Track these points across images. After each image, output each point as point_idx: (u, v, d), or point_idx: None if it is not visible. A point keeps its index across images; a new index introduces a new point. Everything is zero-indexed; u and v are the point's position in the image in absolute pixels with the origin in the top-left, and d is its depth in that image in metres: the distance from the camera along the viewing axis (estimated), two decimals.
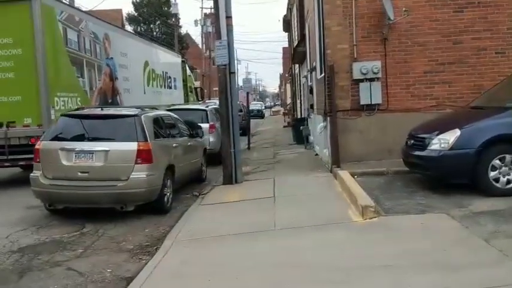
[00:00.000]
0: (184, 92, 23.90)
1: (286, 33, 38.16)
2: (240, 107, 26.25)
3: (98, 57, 13.47)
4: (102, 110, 9.49)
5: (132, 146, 7.88)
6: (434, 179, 8.25)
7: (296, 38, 23.13)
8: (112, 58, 14.41)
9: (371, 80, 10.53)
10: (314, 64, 14.01)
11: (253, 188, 9.67)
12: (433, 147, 7.75)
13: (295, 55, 20.83)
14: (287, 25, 33.71)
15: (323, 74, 11.52)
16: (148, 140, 8.10)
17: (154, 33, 57.66)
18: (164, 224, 7.71)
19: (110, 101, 14.02)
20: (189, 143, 10.40)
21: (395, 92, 10.66)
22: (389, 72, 10.61)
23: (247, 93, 18.21)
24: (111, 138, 8.03)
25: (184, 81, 24.30)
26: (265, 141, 21.81)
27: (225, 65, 10.38)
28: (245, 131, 26.88)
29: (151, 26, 59.51)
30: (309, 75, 16.84)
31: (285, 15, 33.24)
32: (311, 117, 16.59)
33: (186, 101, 23.32)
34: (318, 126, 11.98)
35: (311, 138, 16.91)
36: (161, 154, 8.49)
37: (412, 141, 8.49)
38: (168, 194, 8.64)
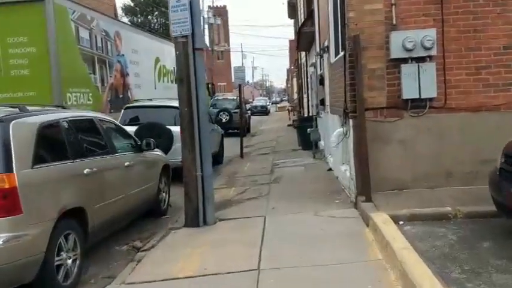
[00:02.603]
0: None
1: (292, 21, 34.14)
2: (236, 103, 22.78)
3: (109, 54, 13.89)
4: None
5: None
6: None
7: (302, 19, 19.12)
8: (123, 55, 14.78)
9: (420, 60, 6.61)
10: (326, 43, 10.06)
11: (226, 243, 5.74)
12: None
13: (300, 39, 16.86)
14: (292, 10, 29.69)
15: (342, 53, 7.60)
16: (14, 168, 4.23)
17: (152, 24, 55.00)
18: None
19: (121, 96, 14.39)
20: (128, 163, 6.51)
21: (458, 79, 6.71)
22: (448, 48, 6.67)
23: (240, 85, 14.29)
24: None
25: None
26: (264, 145, 17.88)
27: (185, 36, 6.50)
28: (243, 131, 23.38)
29: (149, 17, 56.95)
30: (318, 62, 12.86)
31: None
32: (321, 116, 12.64)
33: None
34: (332, 133, 8.01)
35: (321, 143, 12.95)
36: (50, 193, 4.63)
37: None
38: (69, 264, 4.77)
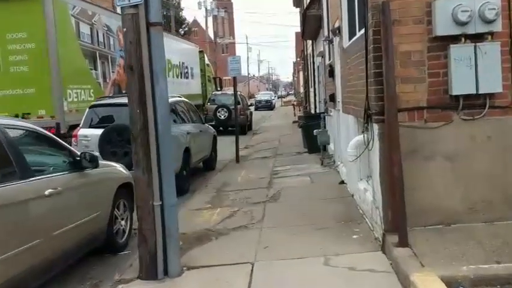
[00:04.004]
0: (202, 81, 24.20)
1: (298, 10, 31.94)
2: (238, 99, 20.81)
3: (111, 49, 13.88)
4: None
5: None
6: None
7: (308, 1, 16.95)
8: None
9: (478, 38, 4.54)
10: (337, 24, 7.99)
11: None
12: None
13: (306, 24, 14.75)
14: None
15: (360, 33, 5.55)
16: None
17: None
18: None
19: (124, 91, 13.56)
20: (51, 190, 4.42)
21: None
22: None
23: (234, 78, 12.18)
24: None
25: (202, 71, 24.47)
26: (265, 146, 15.83)
27: (135, 6, 4.46)
28: (244, 129, 21.37)
29: None
30: (326, 49, 10.79)
31: None
32: (331, 115, 10.57)
33: (204, 91, 23.86)
34: (347, 141, 5.84)
35: (331, 147, 10.89)
36: None
37: None
38: None
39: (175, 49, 20.10)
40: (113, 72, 14.00)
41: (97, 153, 6.69)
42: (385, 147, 4.60)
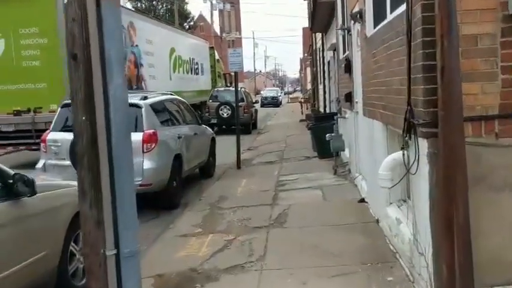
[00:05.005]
0: (212, 77, 24.49)
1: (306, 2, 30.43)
2: (240, 96, 19.42)
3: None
4: None
5: None
6: None
7: None
8: (137, 46, 14.89)
9: None
10: (357, 8, 6.56)
11: None
12: None
13: (315, 15, 13.31)
14: None
15: (396, 13, 4.13)
16: None
17: (157, 10, 52.40)
18: None
19: (134, 87, 14.26)
20: None
21: None
22: None
23: (236, 73, 10.70)
24: None
25: (213, 66, 24.74)
26: (270, 147, 14.41)
27: None
28: (248, 128, 19.94)
29: (154, 2, 54.53)
30: (340, 41, 9.36)
31: None
32: (346, 117, 9.15)
33: (214, 87, 23.67)
34: (384, 162, 4.34)
35: (345, 154, 9.47)
36: None
37: None
38: None
39: (186, 44, 20.26)
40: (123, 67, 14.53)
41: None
42: (439, 174, 3.19)
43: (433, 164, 3.30)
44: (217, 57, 26.36)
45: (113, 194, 3.20)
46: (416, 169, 3.56)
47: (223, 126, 19.26)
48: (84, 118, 3.18)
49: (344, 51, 8.95)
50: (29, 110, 11.18)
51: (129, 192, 3.27)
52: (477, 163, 3.27)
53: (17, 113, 11.32)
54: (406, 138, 3.68)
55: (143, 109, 7.40)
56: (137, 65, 15.02)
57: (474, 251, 3.14)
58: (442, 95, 3.09)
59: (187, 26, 50.35)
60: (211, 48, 25.68)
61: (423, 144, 3.42)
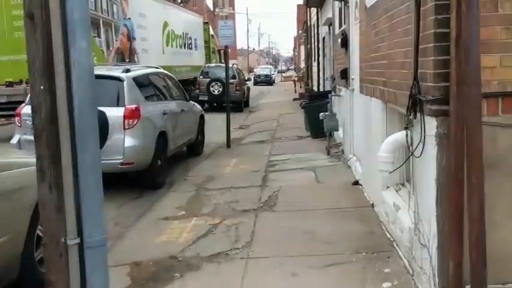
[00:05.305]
0: (206, 52, 24.25)
1: None
2: (232, 72, 18.91)
3: (114, 17, 14.12)
4: None
5: None
6: None
7: None
8: (130, 19, 14.75)
9: None
10: None
11: None
12: None
13: None
14: None
15: None
16: None
17: None
18: None
19: (127, 60, 14.19)
20: None
21: None
22: None
23: (226, 47, 10.16)
24: None
25: (207, 42, 24.53)
26: (262, 126, 14.00)
27: None
28: (239, 106, 19.46)
29: None
30: (337, 13, 8.89)
31: None
32: (340, 95, 8.74)
33: (208, 62, 23.37)
34: (384, 142, 3.94)
35: (339, 134, 9.08)
36: None
37: None
38: None
39: (179, 19, 19.92)
40: (116, 40, 14.11)
41: None
42: (449, 158, 2.80)
43: (442, 146, 2.91)
44: (211, 32, 26.05)
45: (76, 175, 2.78)
46: (422, 151, 3.16)
47: (214, 104, 18.77)
48: (42, 88, 2.74)
49: (340, 25, 8.48)
50: (21, 82, 11.10)
51: (95, 174, 2.85)
52: (492, 146, 2.88)
53: (9, 84, 11.24)
54: (411, 116, 3.27)
55: (125, 82, 6.92)
56: (130, 38, 14.83)
57: (487, 244, 2.78)
58: (455, 67, 2.69)
59: (179, 0, 49.32)
60: (206, 23, 25.40)
61: (431, 124, 3.02)
